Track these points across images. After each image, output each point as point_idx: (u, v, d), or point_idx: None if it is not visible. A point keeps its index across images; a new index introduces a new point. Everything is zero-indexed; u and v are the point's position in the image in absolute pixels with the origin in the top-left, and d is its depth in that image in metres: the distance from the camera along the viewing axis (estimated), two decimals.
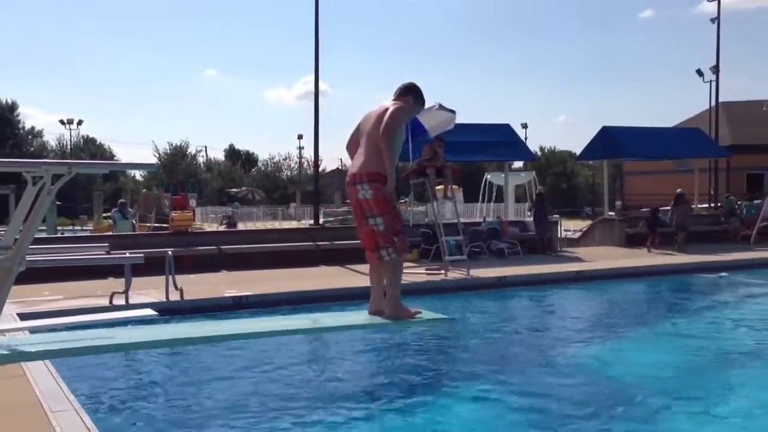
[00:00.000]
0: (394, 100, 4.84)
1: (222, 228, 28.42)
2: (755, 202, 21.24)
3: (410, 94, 4.87)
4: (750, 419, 5.82)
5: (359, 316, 4.93)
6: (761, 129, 33.89)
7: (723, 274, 14.44)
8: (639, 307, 12.03)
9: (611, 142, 20.49)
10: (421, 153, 13.70)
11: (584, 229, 22.12)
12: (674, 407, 6.08)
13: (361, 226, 4.73)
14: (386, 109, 4.67)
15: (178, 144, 61.92)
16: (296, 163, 65.81)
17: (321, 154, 57.73)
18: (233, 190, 54.22)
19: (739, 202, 21.37)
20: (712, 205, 24.07)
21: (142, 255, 9.22)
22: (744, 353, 8.29)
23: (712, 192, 25.58)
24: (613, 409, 6.05)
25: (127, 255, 9.89)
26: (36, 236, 4.17)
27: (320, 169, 30.29)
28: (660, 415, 5.91)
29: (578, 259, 16.15)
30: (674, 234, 17.90)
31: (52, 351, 4.08)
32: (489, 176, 30.63)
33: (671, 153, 22.94)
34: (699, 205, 23.46)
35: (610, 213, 21.52)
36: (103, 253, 10.50)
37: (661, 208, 19.19)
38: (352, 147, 4.92)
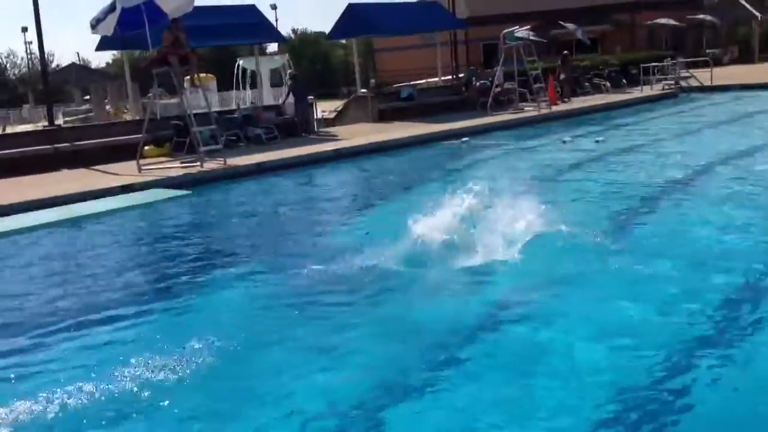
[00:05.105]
0: None
1: None
2: (488, 70, 22.92)
3: None
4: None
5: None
6: (495, 0, 35.95)
7: (465, 139, 15.64)
8: (396, 177, 12.55)
9: (358, 19, 20.68)
10: (161, 40, 12.76)
11: (339, 109, 22.52)
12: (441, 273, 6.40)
13: None
14: None
15: None
16: (23, 60, 58.48)
17: (54, 47, 51.68)
18: None
19: (478, 72, 22.88)
20: (454, 76, 25.52)
21: None
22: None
23: (453, 64, 27.10)
24: (374, 283, 6.07)
25: None
26: None
27: (54, 64, 27.25)
28: (412, 286, 6.12)
29: (335, 139, 16.47)
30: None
31: None
32: (241, 62, 29.53)
33: (414, 27, 23.79)
34: (442, 78, 24.82)
35: (363, 90, 22.03)
36: None
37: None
38: None
